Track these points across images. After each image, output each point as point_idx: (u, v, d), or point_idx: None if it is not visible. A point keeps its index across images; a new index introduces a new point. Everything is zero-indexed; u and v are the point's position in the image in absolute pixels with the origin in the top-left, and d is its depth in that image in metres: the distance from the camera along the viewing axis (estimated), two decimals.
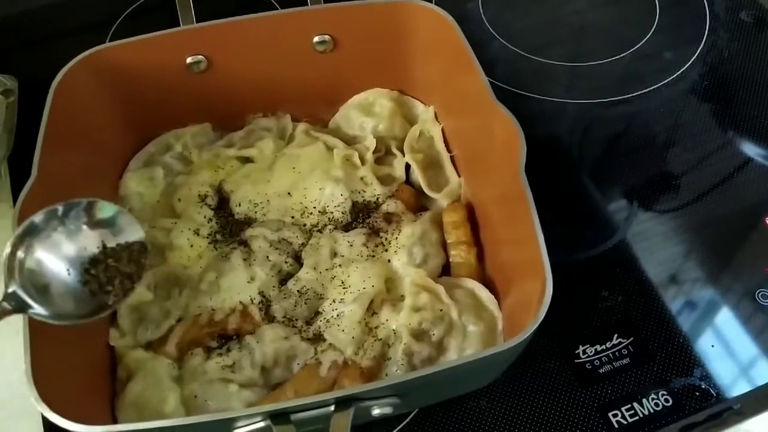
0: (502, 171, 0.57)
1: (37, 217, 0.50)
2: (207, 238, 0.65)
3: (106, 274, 0.51)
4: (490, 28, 0.89)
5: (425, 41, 0.68)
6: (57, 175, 0.57)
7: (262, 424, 0.45)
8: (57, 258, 0.50)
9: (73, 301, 0.50)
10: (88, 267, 0.51)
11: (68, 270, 0.50)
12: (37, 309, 0.47)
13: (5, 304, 0.46)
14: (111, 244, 0.52)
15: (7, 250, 0.48)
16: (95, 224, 0.52)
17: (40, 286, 0.48)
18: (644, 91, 0.82)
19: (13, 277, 0.47)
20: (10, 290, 0.47)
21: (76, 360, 0.55)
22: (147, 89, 0.67)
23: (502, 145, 0.57)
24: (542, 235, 0.50)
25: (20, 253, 0.48)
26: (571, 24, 0.91)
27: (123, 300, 0.52)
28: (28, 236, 0.49)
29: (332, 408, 0.45)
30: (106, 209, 0.53)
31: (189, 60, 0.67)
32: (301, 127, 0.72)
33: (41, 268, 0.49)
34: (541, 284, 0.48)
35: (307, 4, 0.67)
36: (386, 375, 0.57)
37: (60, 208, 0.51)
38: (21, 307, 0.46)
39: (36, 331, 0.48)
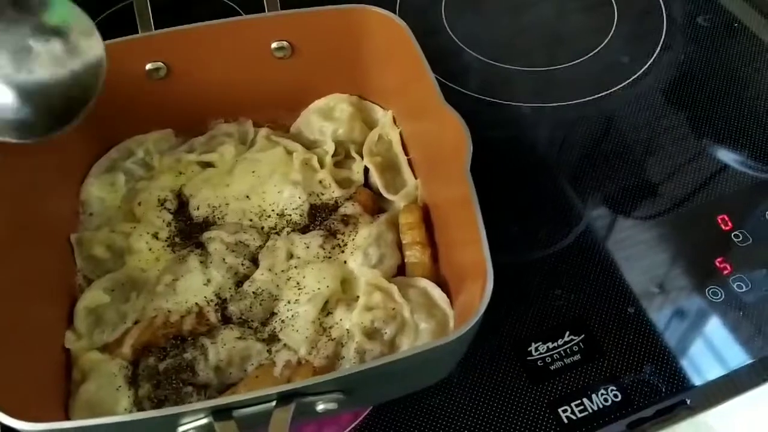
0: (452, 172, 0.58)
1: None
2: (165, 241, 0.65)
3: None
4: (456, 39, 0.90)
5: (380, 46, 0.69)
6: (17, 181, 0.58)
7: (204, 421, 0.46)
8: None
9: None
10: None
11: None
12: None
13: None
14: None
15: None
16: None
17: None
18: (603, 93, 0.84)
19: None
20: None
21: (30, 362, 0.55)
22: (108, 96, 0.68)
23: (451, 146, 0.58)
24: (485, 235, 0.51)
25: None
26: (534, 31, 0.92)
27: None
28: None
29: (273, 404, 0.46)
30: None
31: (148, 67, 0.68)
32: (263, 132, 0.73)
33: None
34: (483, 280, 0.49)
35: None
36: None
37: None
38: None
39: None
